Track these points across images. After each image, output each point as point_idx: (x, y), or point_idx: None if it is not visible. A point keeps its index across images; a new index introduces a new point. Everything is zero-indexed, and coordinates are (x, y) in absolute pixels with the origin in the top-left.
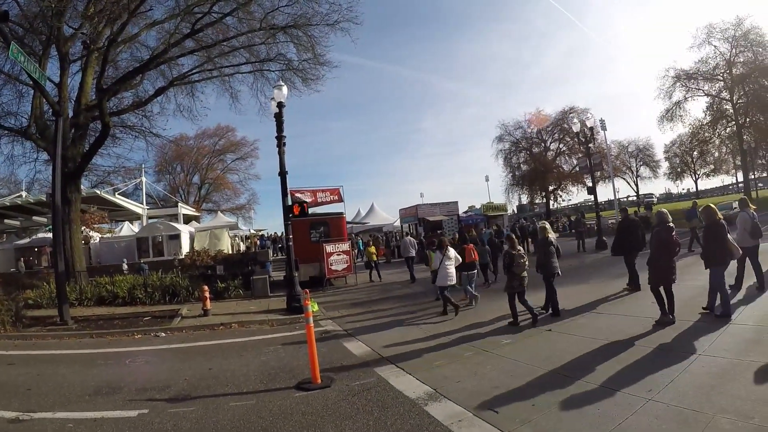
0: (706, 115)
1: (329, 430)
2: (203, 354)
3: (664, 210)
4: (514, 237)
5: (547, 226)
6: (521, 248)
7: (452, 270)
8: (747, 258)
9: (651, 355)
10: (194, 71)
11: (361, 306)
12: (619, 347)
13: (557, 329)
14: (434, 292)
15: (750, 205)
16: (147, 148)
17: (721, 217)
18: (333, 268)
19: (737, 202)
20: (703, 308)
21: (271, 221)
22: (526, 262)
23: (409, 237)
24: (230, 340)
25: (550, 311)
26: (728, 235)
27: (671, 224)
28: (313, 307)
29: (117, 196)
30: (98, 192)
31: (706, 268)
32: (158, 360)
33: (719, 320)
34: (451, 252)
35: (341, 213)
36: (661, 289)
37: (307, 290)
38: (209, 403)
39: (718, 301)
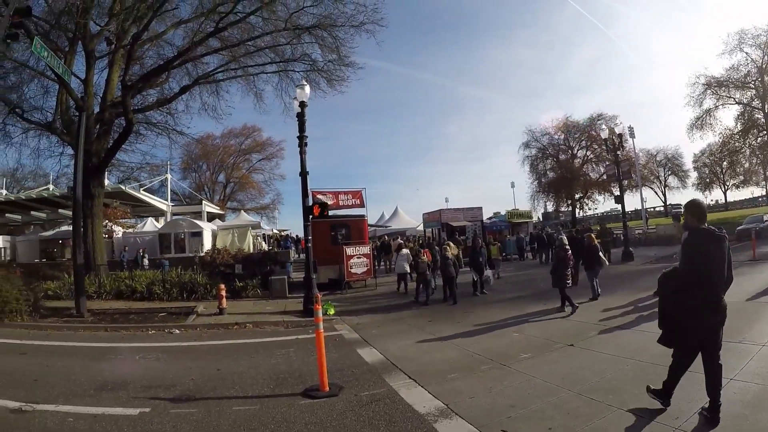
0: (737, 124)
1: None
2: (214, 353)
3: (563, 237)
4: (420, 249)
5: (451, 245)
6: (425, 257)
7: (404, 263)
8: None
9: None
10: (219, 70)
11: (379, 311)
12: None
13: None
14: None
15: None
16: (170, 145)
17: (597, 243)
18: (353, 271)
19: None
20: (590, 298)
21: (295, 221)
22: (426, 264)
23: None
24: (243, 341)
25: (451, 301)
26: (600, 253)
27: (567, 246)
28: (329, 310)
29: (142, 192)
30: (123, 187)
31: (588, 270)
32: (168, 357)
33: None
34: (404, 251)
35: (363, 215)
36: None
37: (319, 294)
38: (212, 405)
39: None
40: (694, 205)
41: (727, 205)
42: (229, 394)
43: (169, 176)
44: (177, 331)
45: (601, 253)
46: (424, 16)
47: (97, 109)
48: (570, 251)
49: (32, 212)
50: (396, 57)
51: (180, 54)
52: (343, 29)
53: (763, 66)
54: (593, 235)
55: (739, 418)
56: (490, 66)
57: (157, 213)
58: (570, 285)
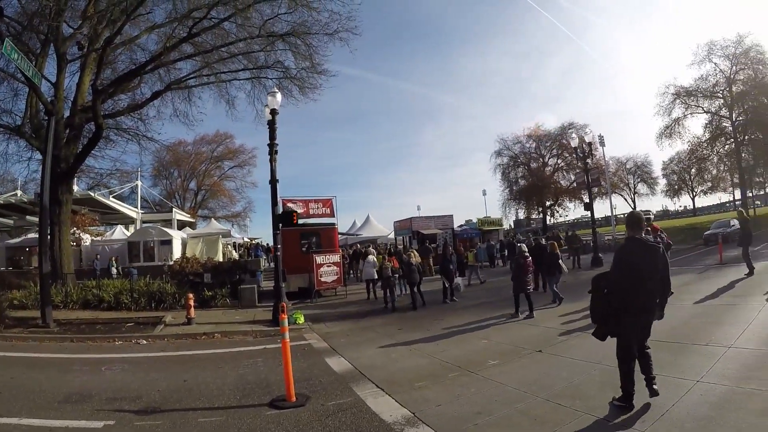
0: (705, 132)
1: None
2: (181, 364)
3: (523, 245)
4: (387, 256)
5: (414, 252)
6: (392, 263)
7: (371, 269)
8: None
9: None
10: (191, 76)
11: (349, 319)
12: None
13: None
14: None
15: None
16: (140, 151)
17: (558, 252)
18: (323, 279)
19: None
20: (556, 303)
21: (266, 229)
22: (389, 270)
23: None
24: (210, 351)
25: (420, 304)
26: (560, 261)
27: (526, 254)
28: (298, 319)
29: (111, 199)
30: (92, 194)
31: (546, 276)
32: (135, 368)
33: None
34: (370, 258)
35: (333, 224)
36: (522, 294)
37: (285, 303)
38: (177, 417)
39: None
40: (629, 217)
41: (695, 211)
42: (195, 405)
43: (139, 183)
44: (144, 342)
45: (561, 261)
46: (400, 25)
47: (67, 114)
48: (529, 258)
49: None
50: (371, 65)
51: (152, 59)
52: (316, 37)
53: (731, 76)
54: (556, 243)
55: (706, 420)
56: (466, 74)
57: (127, 220)
58: (531, 290)
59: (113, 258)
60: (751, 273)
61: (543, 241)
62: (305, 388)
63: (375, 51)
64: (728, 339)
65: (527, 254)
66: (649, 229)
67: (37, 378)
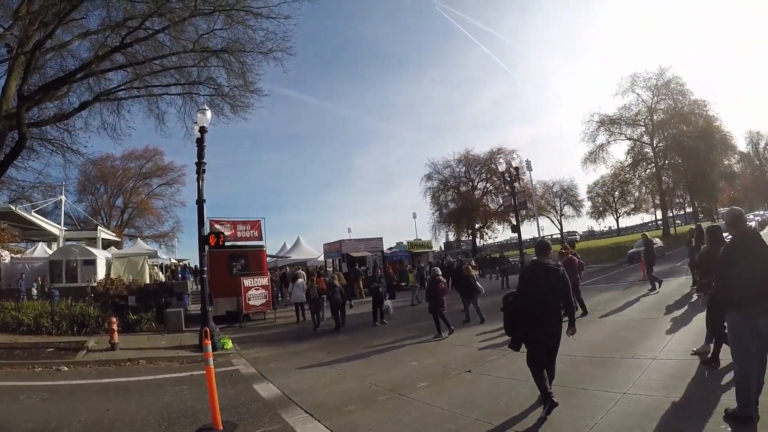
0: (627, 157)
1: None
2: (104, 393)
3: (437, 269)
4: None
5: (339, 275)
6: (318, 284)
7: (300, 292)
8: None
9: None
10: (122, 87)
11: (278, 344)
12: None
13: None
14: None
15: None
16: (65, 165)
17: (473, 275)
18: (251, 303)
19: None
20: (463, 321)
21: (195, 251)
22: (315, 292)
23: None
24: (135, 378)
25: (341, 326)
26: (476, 282)
27: (440, 277)
28: (226, 344)
29: (33, 213)
30: (13, 207)
31: (467, 298)
32: (55, 397)
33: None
34: (299, 281)
35: (262, 246)
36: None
37: (208, 328)
38: None
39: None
40: (537, 244)
41: (619, 231)
42: None
43: (63, 198)
44: (65, 368)
45: (476, 282)
46: (337, 50)
47: None
48: (443, 282)
49: None
50: (307, 88)
51: (83, 66)
52: (251, 55)
53: (653, 106)
54: (470, 266)
55: (636, 429)
56: (400, 100)
57: (50, 238)
58: (445, 310)
59: (40, 278)
60: (655, 289)
61: (472, 263)
62: (233, 416)
63: (313, 73)
64: (652, 351)
65: (440, 277)
66: (562, 251)
67: None
